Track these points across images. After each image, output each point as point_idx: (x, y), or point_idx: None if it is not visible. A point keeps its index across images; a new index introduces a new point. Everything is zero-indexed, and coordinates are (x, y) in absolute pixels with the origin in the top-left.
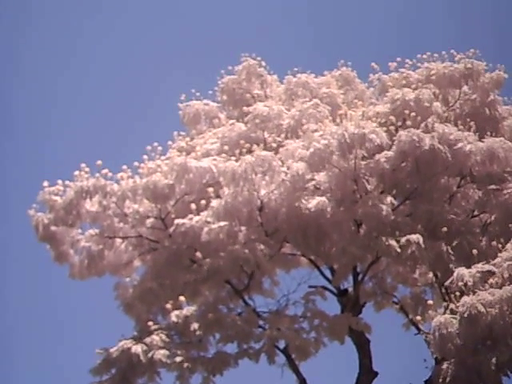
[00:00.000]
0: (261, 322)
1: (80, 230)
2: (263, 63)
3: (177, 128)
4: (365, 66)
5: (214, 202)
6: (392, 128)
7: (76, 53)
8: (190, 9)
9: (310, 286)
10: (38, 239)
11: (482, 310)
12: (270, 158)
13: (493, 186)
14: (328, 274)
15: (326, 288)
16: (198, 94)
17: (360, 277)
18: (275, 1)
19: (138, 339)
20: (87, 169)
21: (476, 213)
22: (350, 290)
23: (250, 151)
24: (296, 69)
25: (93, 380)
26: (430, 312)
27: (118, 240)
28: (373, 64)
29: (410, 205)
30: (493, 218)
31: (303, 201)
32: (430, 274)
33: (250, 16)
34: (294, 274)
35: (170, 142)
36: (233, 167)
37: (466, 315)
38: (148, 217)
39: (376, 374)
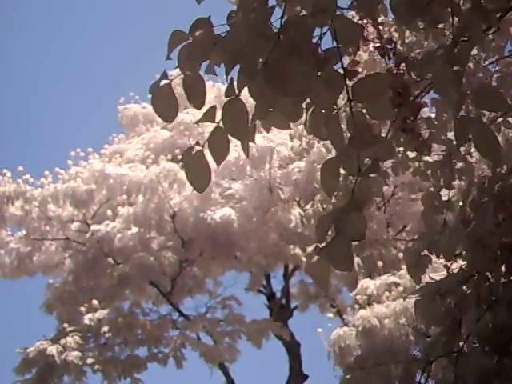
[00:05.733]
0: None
1: (10, 232)
2: None
3: (116, 131)
4: None
5: (123, 210)
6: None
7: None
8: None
9: (246, 289)
10: None
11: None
12: (176, 170)
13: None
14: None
15: (260, 291)
16: (137, 97)
17: (287, 281)
18: None
19: (56, 340)
20: (9, 174)
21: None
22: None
23: (156, 162)
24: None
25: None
26: None
27: (48, 242)
28: None
29: None
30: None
31: (209, 211)
32: None
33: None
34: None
35: (90, 149)
36: (139, 177)
37: (360, 328)
38: (73, 221)
39: (306, 376)
